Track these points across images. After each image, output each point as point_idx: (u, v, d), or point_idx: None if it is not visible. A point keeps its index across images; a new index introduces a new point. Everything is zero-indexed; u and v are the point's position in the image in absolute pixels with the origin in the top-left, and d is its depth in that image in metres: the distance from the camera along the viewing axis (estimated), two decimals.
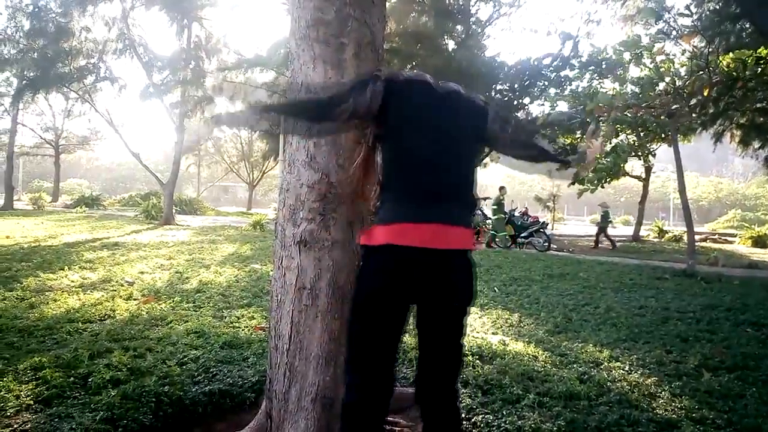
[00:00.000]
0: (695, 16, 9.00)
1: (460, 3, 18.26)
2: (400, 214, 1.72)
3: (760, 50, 8.39)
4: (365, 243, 1.78)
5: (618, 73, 13.29)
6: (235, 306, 5.27)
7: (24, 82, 20.22)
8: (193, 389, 2.92)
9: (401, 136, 1.79)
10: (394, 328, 1.78)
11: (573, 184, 20.87)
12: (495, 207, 15.21)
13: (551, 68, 17.94)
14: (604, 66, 14.56)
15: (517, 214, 15.59)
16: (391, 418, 2.66)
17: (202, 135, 37.81)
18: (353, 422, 1.79)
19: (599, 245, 17.14)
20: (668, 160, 19.10)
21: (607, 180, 20.22)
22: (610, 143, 19.46)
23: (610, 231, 18.39)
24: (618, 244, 18.31)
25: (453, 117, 1.84)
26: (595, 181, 19.92)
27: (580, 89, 17.06)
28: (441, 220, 1.72)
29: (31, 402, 2.68)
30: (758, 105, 12.44)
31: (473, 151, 1.93)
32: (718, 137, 14.32)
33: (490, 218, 18.06)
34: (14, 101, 23.30)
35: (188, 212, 28.25)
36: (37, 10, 19.49)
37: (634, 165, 23.64)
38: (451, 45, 19.10)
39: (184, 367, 3.29)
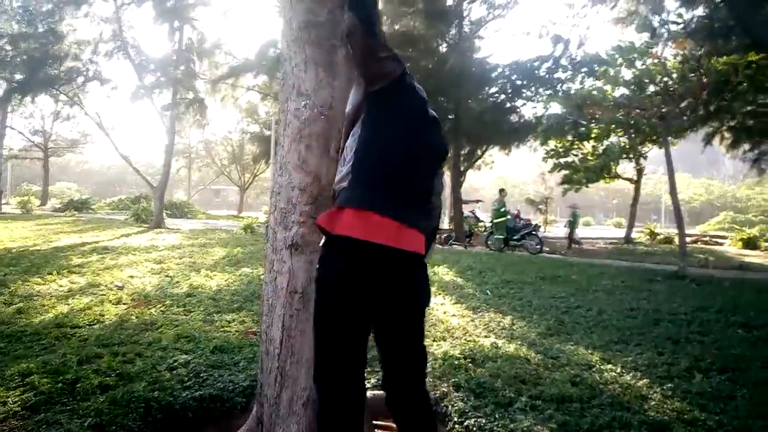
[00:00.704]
0: (686, 21, 9.08)
1: (453, 5, 18.30)
2: (367, 200, 1.69)
3: (750, 55, 8.47)
4: (327, 227, 1.72)
5: (610, 74, 13.37)
6: (225, 310, 5.23)
7: (12, 84, 20.05)
8: (184, 394, 2.89)
9: (388, 126, 1.77)
10: (359, 332, 1.76)
11: (563, 184, 21.08)
12: (500, 209, 15.13)
13: (544, 70, 18.02)
14: (596, 68, 14.65)
15: (509, 216, 15.61)
16: (383, 423, 2.64)
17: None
18: (329, 431, 1.77)
19: (572, 246, 17.21)
20: (660, 162, 19.25)
21: (595, 180, 20.43)
22: (602, 144, 19.65)
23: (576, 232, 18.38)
24: (610, 246, 18.40)
25: (434, 137, 1.88)
26: (583, 180, 20.13)
27: (572, 91, 17.17)
28: (404, 220, 1.69)
29: (19, 408, 2.63)
30: (748, 108, 12.54)
31: (438, 166, 1.97)
32: (708, 139, 14.42)
33: (482, 221, 18.11)
34: (2, 104, 23.12)
35: (179, 215, 28.12)
36: (26, 11, 19.36)
37: (626, 167, 23.82)
38: (443, 47, 19.14)
39: (174, 372, 3.26)
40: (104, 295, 5.71)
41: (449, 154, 21.85)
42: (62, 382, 2.96)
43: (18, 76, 19.74)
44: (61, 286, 6.14)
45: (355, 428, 1.79)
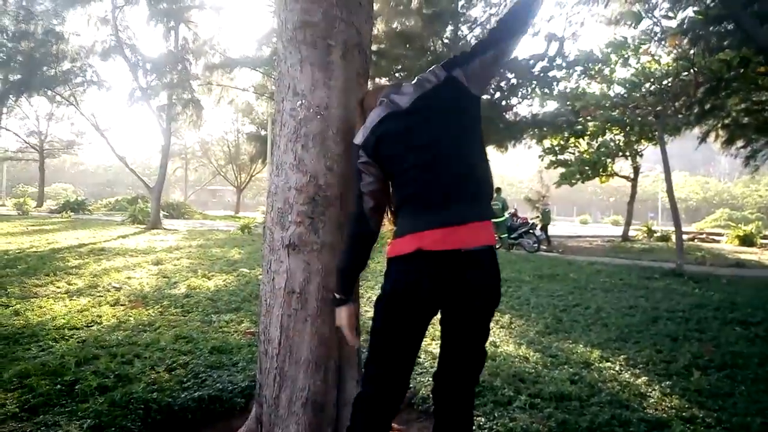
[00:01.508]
0: (679, 18, 9.08)
1: (449, 4, 18.29)
2: (411, 226, 1.73)
3: (743, 51, 8.47)
4: (392, 255, 1.79)
5: (605, 74, 13.38)
6: (223, 311, 5.23)
7: (7, 86, 19.99)
8: (183, 395, 2.88)
9: (392, 166, 1.81)
10: (417, 332, 1.79)
11: (560, 185, 21.13)
12: (501, 209, 15.05)
13: (539, 69, 18.01)
14: (590, 66, 14.65)
15: (506, 215, 15.59)
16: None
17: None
18: (365, 414, 1.81)
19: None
20: (657, 160, 19.29)
21: (590, 177, 20.46)
22: (597, 141, 19.69)
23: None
24: (607, 244, 18.41)
25: (437, 117, 1.79)
26: (577, 177, 20.18)
27: (568, 90, 17.18)
28: (458, 222, 1.70)
29: (17, 410, 2.63)
30: (742, 105, 12.56)
31: (472, 137, 1.82)
32: (703, 137, 14.45)
33: None
34: None
35: (176, 216, 28.11)
36: (22, 12, 19.30)
37: (623, 165, 23.86)
38: (439, 46, 19.13)
39: (173, 373, 3.26)
40: (102, 296, 5.70)
41: None
42: (61, 383, 2.95)
43: (14, 77, 19.69)
44: (58, 287, 6.12)
45: (390, 416, 1.84)
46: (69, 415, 2.59)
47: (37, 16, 19.16)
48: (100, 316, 4.76)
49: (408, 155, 1.76)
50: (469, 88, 1.80)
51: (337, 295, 1.93)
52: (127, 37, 19.78)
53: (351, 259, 1.93)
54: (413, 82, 1.85)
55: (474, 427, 2.69)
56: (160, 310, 5.18)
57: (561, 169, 20.83)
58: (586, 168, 19.77)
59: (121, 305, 5.33)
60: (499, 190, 15.90)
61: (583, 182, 20.95)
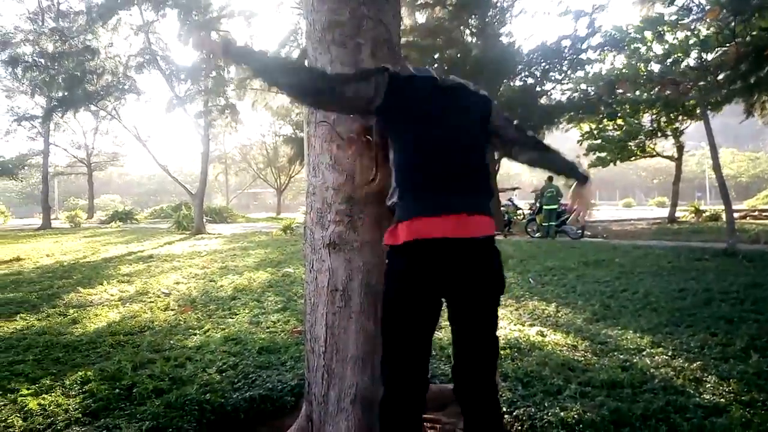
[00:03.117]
0: None
1: None
2: (418, 208, 1.72)
3: None
4: (389, 243, 1.79)
5: (641, 52, 12.99)
6: (270, 311, 5.32)
7: (53, 103, 20.77)
8: (234, 396, 2.95)
9: (409, 132, 1.79)
10: (425, 324, 1.78)
11: (592, 167, 20.72)
12: (555, 196, 14.78)
13: (570, 50, 17.63)
14: (624, 46, 14.24)
15: (560, 202, 15.26)
16: (431, 416, 2.65)
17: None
18: (389, 418, 1.80)
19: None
20: (702, 137, 18.62)
21: (626, 158, 19.97)
22: (635, 122, 19.18)
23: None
24: (653, 226, 17.93)
25: (458, 109, 1.83)
26: (608, 158, 19.74)
27: (604, 72, 16.78)
28: (460, 210, 1.71)
29: (80, 415, 2.74)
30: None
31: (482, 141, 1.91)
32: (749, 111, 13.85)
33: (520, 208, 17.84)
34: (44, 122, 23.99)
35: (218, 221, 28.70)
36: (60, 32, 20.00)
37: (665, 145, 23.15)
38: (467, 36, 18.94)
39: (224, 374, 3.34)
40: (153, 302, 5.89)
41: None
42: (119, 387, 3.07)
43: (58, 94, 20.44)
44: (111, 295, 6.35)
45: (416, 416, 1.82)
46: (128, 418, 2.69)
47: (73, 34, 19.81)
48: (153, 321, 4.91)
49: (434, 131, 1.77)
50: (491, 118, 1.92)
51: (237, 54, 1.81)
52: (160, 49, 20.28)
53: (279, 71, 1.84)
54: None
55: (524, 419, 2.67)
56: (208, 313, 5.31)
57: (599, 154, 20.38)
58: (617, 148, 19.30)
59: (171, 310, 5.49)
60: (551, 178, 15.58)
61: (614, 164, 20.46)
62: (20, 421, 2.66)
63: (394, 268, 1.78)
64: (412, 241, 1.70)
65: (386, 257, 1.84)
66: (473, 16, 18.35)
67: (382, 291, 1.83)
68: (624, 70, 15.15)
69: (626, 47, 14.18)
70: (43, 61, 20.27)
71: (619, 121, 19.52)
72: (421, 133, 1.77)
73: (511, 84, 19.49)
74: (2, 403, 2.89)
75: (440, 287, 1.74)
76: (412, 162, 1.77)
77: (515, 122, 1.99)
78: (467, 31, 18.92)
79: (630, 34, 13.12)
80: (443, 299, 1.80)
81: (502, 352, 3.67)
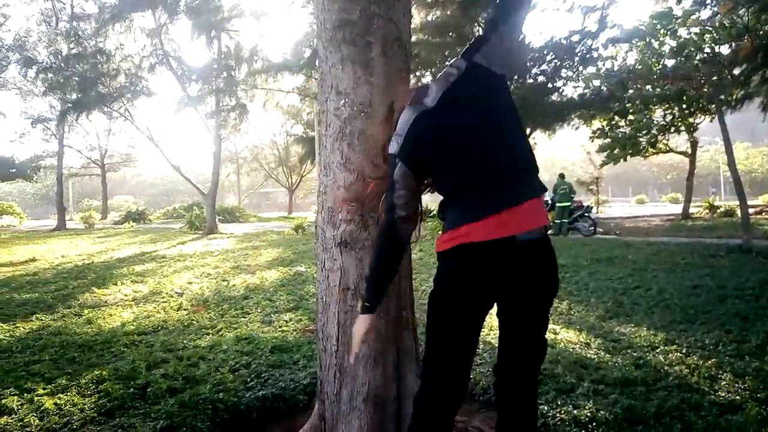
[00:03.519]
0: None
1: None
2: (463, 217, 1.69)
3: None
4: (438, 250, 1.77)
5: (654, 47, 12.88)
6: (282, 310, 5.34)
7: (67, 105, 20.98)
8: (247, 395, 2.97)
9: (432, 166, 1.78)
10: (471, 326, 1.76)
11: (602, 165, 20.62)
12: (568, 193, 14.75)
13: (580, 47, 17.49)
14: (636, 42, 14.12)
15: (573, 198, 15.20)
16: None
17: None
18: (426, 413, 1.80)
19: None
20: (716, 132, 18.43)
21: (635, 154, 19.81)
22: (644, 117, 19.02)
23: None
24: (666, 223, 17.78)
25: (470, 103, 1.74)
26: (618, 154, 19.61)
27: (616, 67, 16.66)
28: (501, 208, 1.64)
29: (95, 414, 2.77)
30: None
31: (507, 120, 1.78)
32: (765, 106, 13.66)
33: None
34: (59, 124, 24.24)
35: (231, 220, 28.86)
36: (75, 34, 20.20)
37: (678, 141, 22.93)
38: (478, 32, 18.86)
39: (237, 373, 3.36)
40: (166, 302, 5.93)
41: None
42: (133, 387, 3.10)
43: (72, 96, 20.64)
44: (125, 295, 6.40)
45: (451, 415, 1.82)
46: (143, 417, 2.71)
47: (87, 36, 20.01)
48: (166, 321, 4.95)
49: (445, 152, 1.73)
50: (493, 69, 1.75)
51: (367, 303, 1.89)
52: (172, 50, 20.43)
53: (383, 269, 1.90)
54: (437, 78, 1.81)
55: (537, 416, 2.66)
56: (220, 312, 5.34)
57: (611, 150, 20.25)
58: (627, 144, 19.15)
59: (184, 310, 5.53)
60: (562, 175, 15.56)
61: (624, 160, 20.31)
62: (37, 421, 2.69)
63: (442, 272, 1.76)
64: (456, 247, 1.68)
65: (438, 259, 1.82)
66: (483, 12, 18.27)
67: (432, 292, 1.80)
68: (638, 66, 15.01)
69: (638, 42, 14.07)
70: (57, 62, 20.50)
71: (630, 117, 19.38)
72: (445, 159, 1.74)
73: (523, 80, 19.38)
74: (19, 403, 2.92)
75: (487, 289, 1.70)
76: (450, 183, 1.76)
77: (492, 29, 1.80)
78: (477, 29, 18.83)
79: (642, 28, 13.03)
80: (493, 300, 1.77)
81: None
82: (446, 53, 17.31)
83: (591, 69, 18.20)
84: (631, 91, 15.94)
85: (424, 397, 1.81)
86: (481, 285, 1.68)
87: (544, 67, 18.68)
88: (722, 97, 11.38)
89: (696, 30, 10.89)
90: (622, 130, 20.18)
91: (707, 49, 10.79)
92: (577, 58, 17.99)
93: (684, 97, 14.92)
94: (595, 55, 17.54)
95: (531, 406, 1.86)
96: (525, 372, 1.83)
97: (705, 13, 10.39)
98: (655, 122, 19.25)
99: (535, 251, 1.70)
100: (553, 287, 1.78)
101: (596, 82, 18.01)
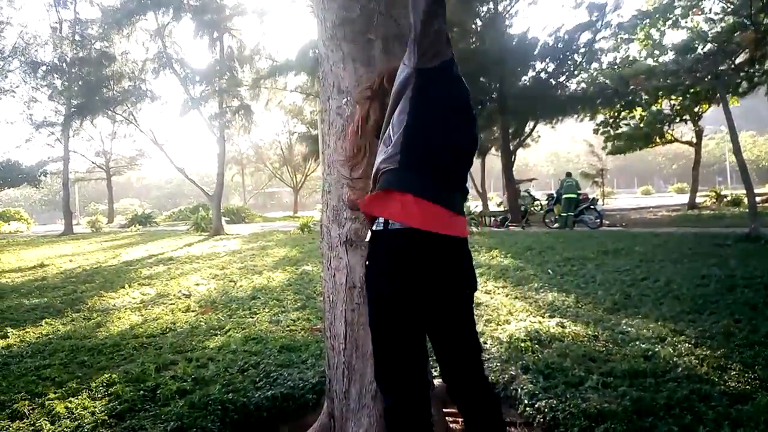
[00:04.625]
0: None
1: None
2: (418, 187, 1.64)
3: None
4: (378, 212, 1.68)
5: (655, 39, 12.84)
6: (290, 310, 5.35)
7: (72, 110, 21.07)
8: (256, 395, 2.97)
9: (440, 110, 1.68)
10: (417, 326, 1.74)
11: (610, 153, 20.59)
12: (569, 185, 14.80)
13: (584, 42, 17.43)
14: (637, 31, 14.07)
15: (578, 193, 15.21)
16: (452, 410, 2.64)
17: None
18: (396, 425, 1.77)
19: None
20: (722, 121, 18.35)
21: (642, 146, 19.80)
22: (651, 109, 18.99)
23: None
24: (673, 213, 17.70)
25: (467, 105, 1.76)
26: (623, 146, 19.60)
27: (618, 60, 16.62)
28: (452, 207, 1.67)
29: (106, 417, 2.78)
30: None
31: (471, 160, 1.83)
32: None
33: (537, 199, 17.79)
34: (64, 129, 24.33)
35: (236, 221, 28.94)
36: (79, 39, 20.28)
37: (684, 130, 22.82)
38: (479, 27, 18.82)
39: (246, 373, 3.37)
40: (174, 304, 5.95)
41: (497, 135, 21.59)
42: (143, 389, 3.11)
43: (76, 101, 20.73)
44: (133, 298, 6.43)
45: (422, 421, 1.77)
46: (153, 419, 2.72)
47: (90, 40, 20.07)
48: (174, 323, 4.97)
49: (453, 120, 1.70)
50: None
51: None
52: (175, 52, 20.48)
53: None
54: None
55: (546, 410, 2.66)
56: (228, 313, 5.36)
57: (617, 143, 20.24)
58: (639, 140, 19.16)
59: (192, 311, 5.54)
60: (569, 173, 15.62)
61: (632, 152, 20.35)
62: (48, 425, 2.71)
63: (383, 263, 1.68)
64: (406, 229, 1.61)
65: (369, 249, 1.74)
66: (483, 5, 18.23)
67: (366, 289, 1.76)
68: (642, 60, 14.97)
69: (640, 38, 14.03)
70: (62, 66, 20.59)
71: (637, 110, 19.35)
72: (448, 122, 1.69)
73: (526, 74, 19.34)
74: (31, 407, 2.94)
75: (427, 285, 1.66)
76: (428, 140, 1.67)
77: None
78: (480, 22, 18.78)
79: (645, 22, 12.98)
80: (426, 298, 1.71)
81: (522, 344, 3.65)
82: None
83: (594, 65, 18.17)
84: (634, 88, 15.91)
85: (389, 411, 1.78)
86: (424, 279, 1.66)
87: (546, 62, 18.65)
88: (728, 85, 11.32)
89: (699, 20, 10.85)
90: (626, 122, 20.15)
91: (711, 40, 10.74)
92: (580, 55, 17.95)
93: (690, 88, 14.85)
94: (598, 47, 17.49)
95: (489, 400, 1.83)
96: (469, 369, 1.80)
97: (707, 4, 10.35)
98: (662, 112, 19.21)
99: (459, 252, 1.71)
100: (473, 283, 1.78)
101: (601, 78, 17.98)
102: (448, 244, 1.65)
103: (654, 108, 18.79)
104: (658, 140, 20.30)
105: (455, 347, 1.78)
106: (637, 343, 3.62)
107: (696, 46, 10.95)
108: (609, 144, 20.76)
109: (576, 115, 19.81)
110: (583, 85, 19.24)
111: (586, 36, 17.38)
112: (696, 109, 19.21)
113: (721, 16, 10.60)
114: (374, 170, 1.77)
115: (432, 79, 1.64)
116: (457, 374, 1.81)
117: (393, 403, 1.76)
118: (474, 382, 1.81)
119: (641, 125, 19.36)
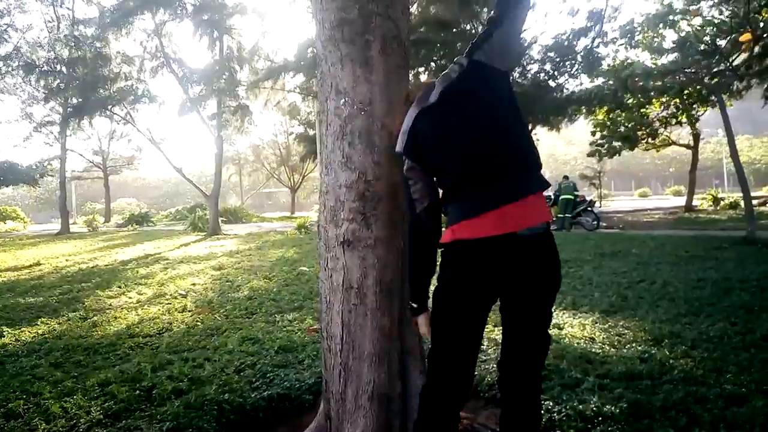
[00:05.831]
0: None
1: None
2: (462, 213, 1.72)
3: None
4: (441, 242, 1.80)
5: (652, 42, 12.88)
6: (286, 310, 5.34)
7: (69, 109, 21.01)
8: (253, 395, 2.97)
9: (435, 162, 1.80)
10: (473, 322, 1.77)
11: (602, 156, 20.67)
12: (566, 186, 14.86)
13: (582, 46, 17.47)
14: (636, 36, 14.10)
15: (576, 194, 15.25)
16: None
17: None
18: (432, 407, 1.83)
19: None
20: (718, 124, 18.40)
21: (631, 147, 19.92)
22: (648, 111, 19.06)
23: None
24: (670, 216, 17.75)
25: (463, 105, 1.77)
26: (616, 146, 19.69)
27: (616, 62, 16.66)
28: (499, 204, 1.66)
29: (102, 417, 2.78)
30: None
31: (515, 116, 1.79)
32: (767, 96, 13.63)
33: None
34: (62, 129, 24.27)
35: (234, 221, 28.90)
36: (75, 38, 20.23)
37: (681, 132, 22.88)
38: (478, 29, 18.82)
39: (242, 374, 3.36)
40: (170, 304, 5.94)
41: None
42: (139, 389, 3.11)
43: (73, 101, 20.68)
44: (130, 298, 6.42)
45: (456, 410, 1.85)
46: (149, 419, 2.72)
47: (87, 40, 20.03)
48: (171, 323, 4.96)
49: (444, 146, 1.76)
50: (495, 66, 1.78)
51: (414, 305, 1.93)
52: (173, 52, 20.45)
53: (418, 266, 1.92)
54: (441, 76, 1.84)
55: (542, 412, 2.66)
56: (225, 313, 5.35)
57: (615, 143, 20.30)
58: (630, 141, 19.25)
59: (189, 311, 5.53)
60: (567, 177, 15.67)
61: (619, 154, 20.45)
62: (44, 424, 2.70)
63: (441, 267, 1.80)
64: (455, 242, 1.71)
65: (441, 253, 1.85)
66: (483, 8, 18.23)
67: (437, 283, 1.82)
68: (640, 60, 15.01)
69: (638, 41, 14.06)
70: (59, 67, 20.54)
71: (630, 111, 19.43)
72: (446, 153, 1.76)
73: (523, 76, 19.36)
74: (26, 407, 2.93)
75: (486, 285, 1.71)
76: (451, 177, 1.78)
77: (493, 28, 1.79)
78: (478, 24, 18.77)
79: (641, 27, 13.02)
80: (495, 296, 1.78)
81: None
82: (444, 50, 17.28)
83: (591, 68, 18.21)
84: (630, 86, 15.96)
85: (429, 393, 1.84)
86: (482, 281, 1.70)
87: (546, 67, 18.69)
88: (725, 86, 11.36)
89: (696, 22, 10.88)
90: (622, 122, 20.23)
91: (707, 40, 10.76)
92: (578, 59, 17.97)
93: (685, 91, 14.90)
94: (596, 50, 17.52)
95: (535, 401, 1.87)
96: (528, 367, 1.84)
97: (704, 5, 10.37)
98: (654, 116, 19.29)
99: (536, 247, 1.71)
100: (554, 282, 1.79)
101: (601, 80, 18.01)
102: (503, 243, 1.66)
103: (646, 108, 18.88)
104: (651, 142, 20.38)
105: (524, 341, 1.83)
106: (634, 345, 3.63)
107: (693, 45, 10.97)
108: (600, 147, 20.85)
109: (574, 117, 19.84)
110: (581, 87, 19.28)
111: (582, 41, 17.46)
112: (693, 112, 19.28)
113: (718, 21, 10.62)
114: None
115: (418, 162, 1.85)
116: (516, 370, 1.85)
117: (438, 387, 1.83)
118: (529, 383, 1.86)
119: (630, 127, 19.48)
